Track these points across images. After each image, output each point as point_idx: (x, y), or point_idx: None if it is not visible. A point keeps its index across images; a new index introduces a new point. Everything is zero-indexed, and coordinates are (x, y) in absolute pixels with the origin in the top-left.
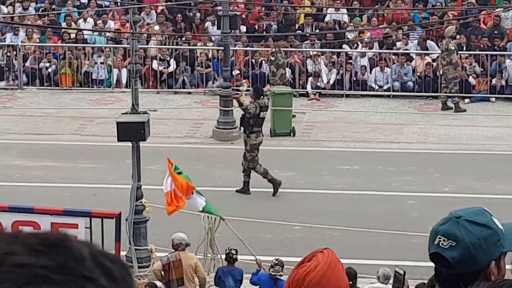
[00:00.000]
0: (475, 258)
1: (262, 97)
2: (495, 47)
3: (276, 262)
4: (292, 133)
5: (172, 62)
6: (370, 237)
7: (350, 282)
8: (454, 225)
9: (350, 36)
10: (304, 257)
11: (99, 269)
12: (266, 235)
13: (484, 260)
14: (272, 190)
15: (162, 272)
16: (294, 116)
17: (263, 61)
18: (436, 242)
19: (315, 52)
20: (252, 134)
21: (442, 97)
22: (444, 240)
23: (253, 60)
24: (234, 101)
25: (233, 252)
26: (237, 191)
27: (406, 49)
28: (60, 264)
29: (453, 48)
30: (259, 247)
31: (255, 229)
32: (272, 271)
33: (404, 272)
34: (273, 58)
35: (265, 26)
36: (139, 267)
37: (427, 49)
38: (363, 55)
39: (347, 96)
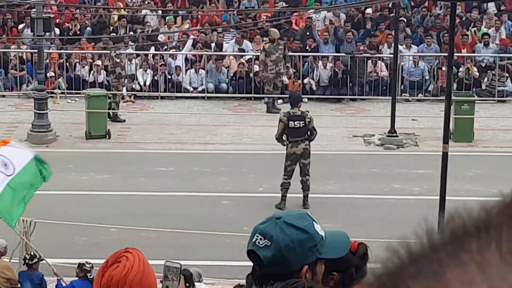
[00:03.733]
0: (287, 259)
1: (297, 104)
2: (307, 48)
3: None
4: (107, 135)
5: None
6: (186, 238)
7: (187, 284)
8: (272, 225)
9: (161, 38)
10: (108, 259)
11: None
12: (81, 238)
13: (297, 263)
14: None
15: None
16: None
17: (77, 63)
18: (253, 240)
19: (130, 54)
20: (288, 144)
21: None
22: (261, 239)
23: (68, 63)
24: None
25: (27, 257)
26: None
27: (222, 50)
28: None
29: (268, 49)
30: (75, 249)
31: (70, 232)
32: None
33: (181, 265)
34: (118, 60)
35: (79, 27)
36: None
37: (244, 50)
38: (177, 56)
39: (162, 98)
